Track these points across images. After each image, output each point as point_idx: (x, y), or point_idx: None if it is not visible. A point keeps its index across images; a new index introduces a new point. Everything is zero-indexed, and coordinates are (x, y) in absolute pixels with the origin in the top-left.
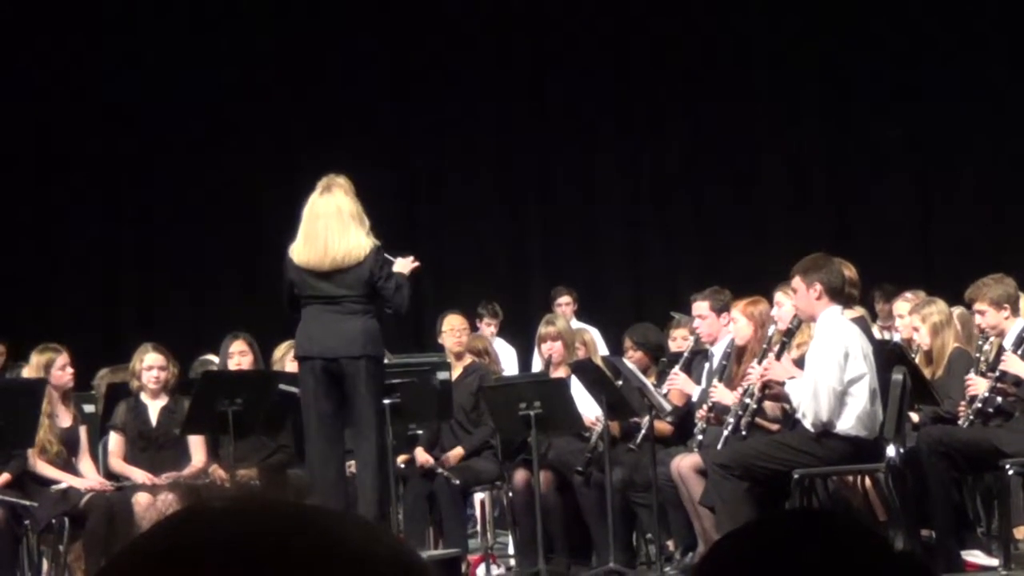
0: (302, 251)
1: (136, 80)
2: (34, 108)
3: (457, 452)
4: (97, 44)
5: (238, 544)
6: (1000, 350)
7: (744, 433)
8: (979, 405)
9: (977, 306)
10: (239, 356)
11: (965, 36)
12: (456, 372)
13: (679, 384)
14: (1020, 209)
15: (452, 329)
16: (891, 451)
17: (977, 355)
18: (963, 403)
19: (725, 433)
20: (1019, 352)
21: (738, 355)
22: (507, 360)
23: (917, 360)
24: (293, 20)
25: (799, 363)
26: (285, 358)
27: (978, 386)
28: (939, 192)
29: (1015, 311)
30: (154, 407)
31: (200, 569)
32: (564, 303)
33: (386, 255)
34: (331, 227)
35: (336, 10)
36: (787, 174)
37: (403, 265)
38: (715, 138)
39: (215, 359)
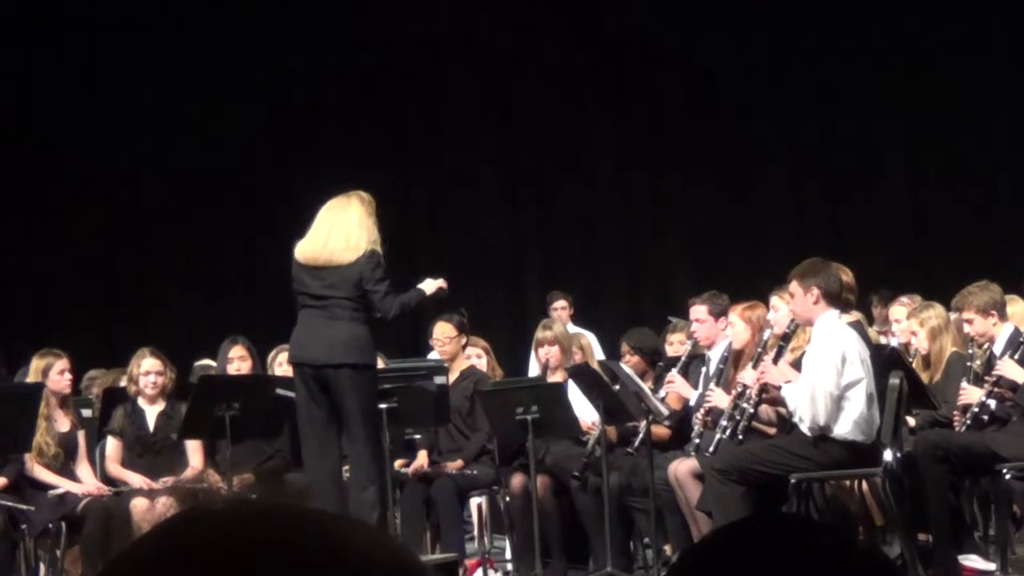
0: (304, 244)
1: (134, 83)
2: (29, 111)
3: (457, 463)
4: (98, 47)
5: (237, 547)
6: (991, 356)
7: (741, 437)
8: (975, 410)
9: (964, 315)
10: (239, 361)
11: (960, 44)
12: (453, 376)
13: (676, 388)
14: (1015, 214)
15: (436, 339)
16: (888, 455)
17: (968, 363)
18: (957, 412)
19: (717, 436)
20: (1016, 357)
21: (735, 359)
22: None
23: (915, 364)
24: (286, 27)
25: (795, 367)
26: (280, 362)
27: (971, 395)
28: (934, 197)
29: (1002, 317)
30: (151, 412)
31: (199, 572)
32: (560, 307)
33: (384, 265)
34: (335, 224)
35: (327, 17)
36: (784, 179)
37: (429, 285)
38: (712, 143)
39: (213, 364)
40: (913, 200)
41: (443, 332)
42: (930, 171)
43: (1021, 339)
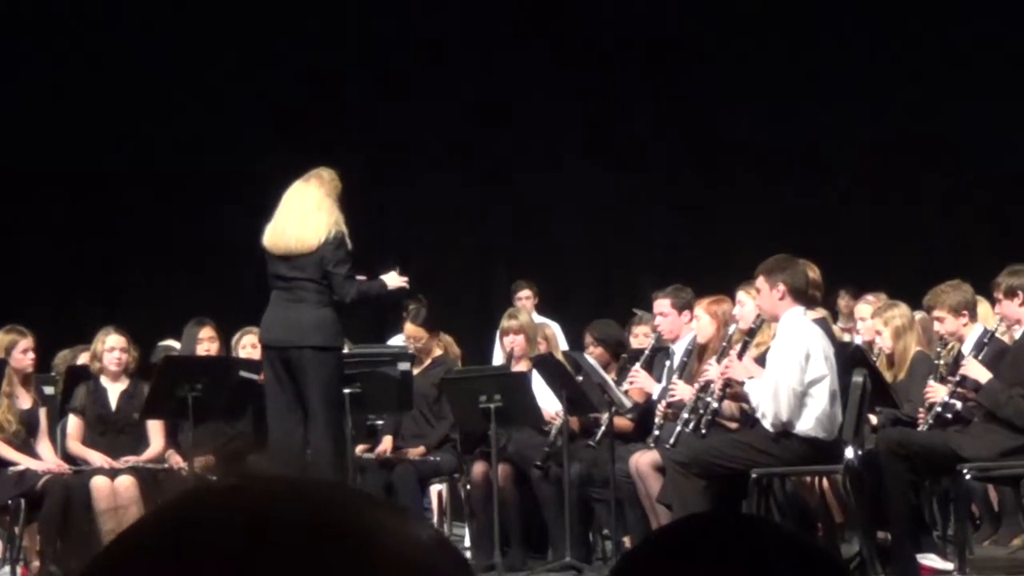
0: (268, 232)
1: (105, 67)
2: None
3: (419, 450)
4: (72, 28)
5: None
6: (959, 355)
7: (703, 431)
8: (939, 410)
9: (935, 313)
10: (208, 342)
11: (926, 39)
12: (424, 363)
13: (640, 382)
14: (981, 213)
15: (409, 338)
16: (849, 453)
17: (936, 361)
18: (922, 409)
19: (678, 429)
20: (979, 357)
21: (699, 353)
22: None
23: (879, 363)
24: (258, 15)
25: (760, 362)
26: (244, 345)
27: (937, 393)
28: (902, 194)
29: (973, 317)
30: (114, 391)
31: (210, 548)
32: (524, 297)
33: (348, 247)
34: (292, 213)
35: (304, 9)
36: (752, 173)
37: (392, 279)
38: (680, 136)
39: (176, 345)
40: (880, 197)
41: (414, 333)
42: (897, 169)
43: (986, 340)
